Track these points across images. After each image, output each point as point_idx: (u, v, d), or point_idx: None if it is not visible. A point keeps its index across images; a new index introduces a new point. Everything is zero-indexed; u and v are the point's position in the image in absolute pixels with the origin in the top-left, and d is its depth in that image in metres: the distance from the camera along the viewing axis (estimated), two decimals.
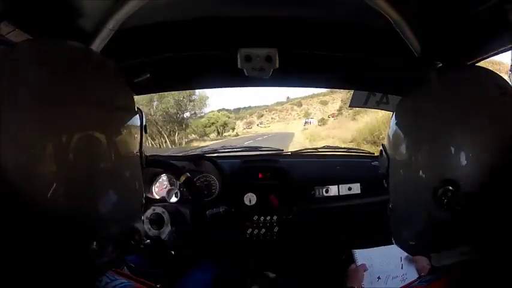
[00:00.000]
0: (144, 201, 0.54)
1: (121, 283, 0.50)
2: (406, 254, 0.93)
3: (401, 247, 0.63)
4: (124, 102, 0.48)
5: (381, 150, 0.60)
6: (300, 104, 50.82)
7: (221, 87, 1.48)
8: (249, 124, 46.69)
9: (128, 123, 0.47)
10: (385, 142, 0.59)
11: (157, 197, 1.38)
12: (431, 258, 0.56)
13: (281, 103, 53.51)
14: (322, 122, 32.38)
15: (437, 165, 0.48)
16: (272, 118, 50.75)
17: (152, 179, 1.41)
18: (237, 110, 52.18)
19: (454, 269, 0.50)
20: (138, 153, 0.49)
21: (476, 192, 0.46)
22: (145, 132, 0.51)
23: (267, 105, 55.42)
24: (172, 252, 1.16)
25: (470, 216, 0.47)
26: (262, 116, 51.71)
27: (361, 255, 0.94)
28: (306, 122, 35.93)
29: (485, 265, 0.46)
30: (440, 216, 0.48)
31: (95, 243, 0.42)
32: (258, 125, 46.04)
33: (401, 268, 0.93)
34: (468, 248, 0.49)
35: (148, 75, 1.11)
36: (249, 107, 54.82)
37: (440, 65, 0.76)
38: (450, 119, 0.49)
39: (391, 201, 0.59)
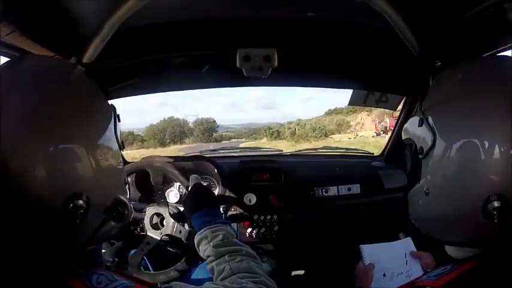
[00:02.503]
0: (127, 179, 0.61)
1: (121, 284, 0.49)
2: (410, 249, 0.93)
3: (419, 227, 0.59)
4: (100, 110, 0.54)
5: (421, 119, 0.53)
6: None
7: (220, 87, 1.48)
8: None
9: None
10: (430, 112, 0.52)
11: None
12: (445, 248, 0.55)
13: None
14: None
15: (492, 173, 0.45)
16: None
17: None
18: None
19: (463, 263, 0.49)
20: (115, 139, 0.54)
21: None
22: (119, 120, 0.56)
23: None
24: (173, 251, 1.17)
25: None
26: None
27: (368, 252, 0.93)
28: None
29: (497, 259, 0.46)
30: (482, 222, 0.46)
31: (81, 201, 0.46)
32: None
33: (406, 264, 0.92)
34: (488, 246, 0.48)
35: (148, 75, 1.11)
36: None
37: (439, 64, 0.76)
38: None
39: (429, 183, 0.53)
